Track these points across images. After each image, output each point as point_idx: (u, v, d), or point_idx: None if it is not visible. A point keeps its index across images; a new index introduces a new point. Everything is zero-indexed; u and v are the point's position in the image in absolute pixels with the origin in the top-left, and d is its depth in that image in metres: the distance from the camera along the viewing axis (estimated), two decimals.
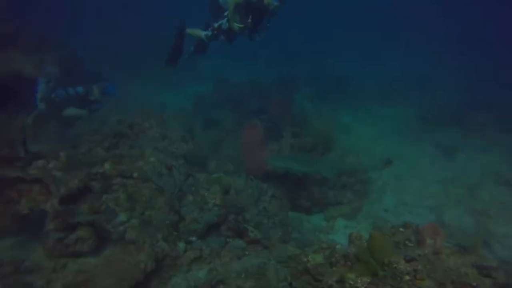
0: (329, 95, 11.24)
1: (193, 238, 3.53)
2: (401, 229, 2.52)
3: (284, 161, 4.23)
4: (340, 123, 9.12)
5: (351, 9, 31.46)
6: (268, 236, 3.71)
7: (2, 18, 6.41)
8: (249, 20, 5.16)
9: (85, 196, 3.31)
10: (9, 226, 3.15)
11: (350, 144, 7.56)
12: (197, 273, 3.22)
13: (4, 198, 2.95)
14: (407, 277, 1.87)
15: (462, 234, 4.57)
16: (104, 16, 19.10)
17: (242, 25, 5.24)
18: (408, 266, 1.92)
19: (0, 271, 2.66)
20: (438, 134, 8.28)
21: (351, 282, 1.91)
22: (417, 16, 25.33)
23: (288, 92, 10.58)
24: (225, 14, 5.50)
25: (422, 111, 9.87)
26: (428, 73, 13.15)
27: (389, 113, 10.40)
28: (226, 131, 6.93)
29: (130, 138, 4.65)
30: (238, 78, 12.05)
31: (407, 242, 2.32)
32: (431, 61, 15.51)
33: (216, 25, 5.57)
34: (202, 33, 5.66)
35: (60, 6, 19.78)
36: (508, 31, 17.70)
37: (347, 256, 2.12)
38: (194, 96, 10.19)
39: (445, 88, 12.02)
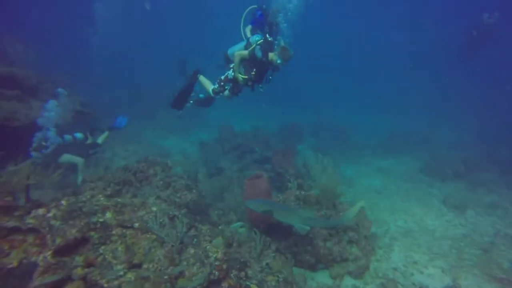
0: (331, 146, 11.41)
1: None
2: None
3: (263, 206, 4.08)
4: (343, 175, 9.10)
5: (354, 56, 32.94)
6: None
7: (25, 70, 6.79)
8: (253, 73, 5.42)
9: (82, 247, 3.15)
10: None
11: (354, 197, 7.45)
12: None
13: None
14: None
15: None
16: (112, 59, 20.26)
17: (246, 77, 5.50)
18: None
19: None
20: (443, 188, 8.18)
21: None
22: (419, 68, 26.48)
23: (292, 142, 10.79)
24: (231, 66, 5.81)
25: (424, 165, 9.91)
26: (427, 127, 13.44)
27: (390, 165, 10.43)
28: (229, 180, 6.87)
29: (133, 185, 4.59)
30: (242, 126, 12.32)
31: None
32: (431, 116, 15.94)
33: (222, 77, 5.85)
34: (210, 87, 5.89)
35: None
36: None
37: None
38: (198, 143, 10.33)
39: (445, 143, 12.21)
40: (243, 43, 5.74)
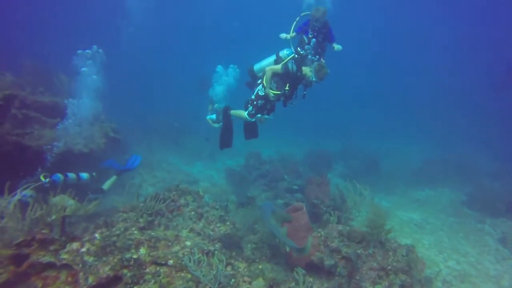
0: (361, 175, 10.84)
1: None
2: None
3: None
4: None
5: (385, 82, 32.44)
6: None
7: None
8: (287, 88, 5.13)
9: (114, 286, 2.88)
10: None
11: (393, 233, 6.83)
12: None
13: (28, 287, 2.59)
14: None
15: None
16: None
17: (278, 92, 5.21)
18: None
19: None
20: (496, 225, 7.40)
21: None
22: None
23: (320, 170, 10.35)
24: (258, 82, 5.57)
25: (467, 197, 9.13)
26: (463, 155, 12.60)
27: (428, 197, 9.71)
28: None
29: (165, 216, 4.36)
30: (268, 152, 12.08)
31: None
32: (467, 142, 15.03)
33: (253, 96, 5.57)
34: (244, 113, 5.68)
35: None
36: None
37: None
38: (225, 170, 10.12)
39: (486, 173, 11.32)
40: (272, 58, 5.53)
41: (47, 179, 5.23)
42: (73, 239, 2.96)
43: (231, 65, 7.19)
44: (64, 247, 2.84)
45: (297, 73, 5.04)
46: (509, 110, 20.54)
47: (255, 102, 5.53)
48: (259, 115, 5.59)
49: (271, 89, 5.27)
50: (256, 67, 5.72)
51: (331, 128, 18.68)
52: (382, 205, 8.76)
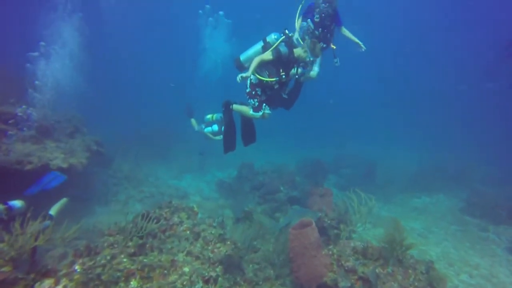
0: (357, 183, 10.56)
1: None
2: None
3: None
4: (379, 216, 8.19)
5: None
6: None
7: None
8: (283, 73, 4.65)
9: None
10: None
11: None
12: None
13: None
14: None
15: None
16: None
17: (273, 79, 4.69)
18: None
19: None
20: (500, 232, 7.19)
21: None
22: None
23: (317, 179, 9.98)
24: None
25: (465, 204, 8.96)
26: (459, 162, 12.58)
27: (426, 205, 9.49)
28: (259, 225, 6.04)
29: (157, 237, 3.82)
30: (260, 162, 11.63)
31: None
32: (462, 149, 15.10)
33: (248, 89, 4.95)
34: (248, 108, 4.99)
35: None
36: None
37: None
38: (216, 183, 9.61)
39: (481, 179, 11.28)
40: (259, 45, 4.93)
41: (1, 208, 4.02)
42: (45, 274, 2.40)
43: None
44: (32, 286, 2.28)
45: (290, 56, 4.61)
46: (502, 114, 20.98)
47: (253, 93, 4.90)
48: (266, 110, 4.88)
49: (263, 77, 4.71)
50: (243, 57, 5.04)
51: (322, 135, 18.47)
52: (381, 214, 8.47)
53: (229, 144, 5.34)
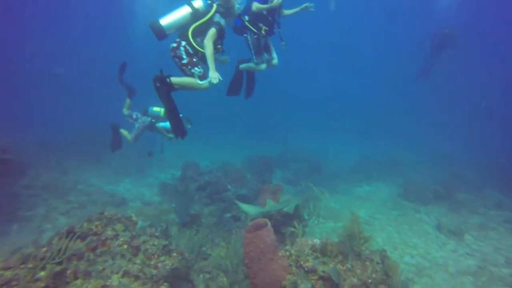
0: (305, 177, 10.74)
1: None
2: None
3: None
4: (328, 207, 8.35)
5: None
6: None
7: None
8: (219, 46, 4.44)
9: None
10: None
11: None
12: None
13: None
14: None
15: None
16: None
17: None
18: None
19: None
20: (429, 212, 7.86)
21: None
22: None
23: (264, 176, 9.81)
24: (179, 41, 4.37)
25: (401, 189, 9.66)
26: (394, 150, 13.63)
27: (368, 193, 10.01)
28: (208, 229, 5.57)
29: (84, 259, 3.11)
30: (204, 162, 11.07)
31: None
32: (394, 137, 16.44)
33: (184, 61, 4.24)
34: (196, 80, 4.24)
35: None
36: None
37: None
38: (158, 186, 8.81)
39: (413, 164, 12.38)
40: (187, 11, 4.24)
41: None
42: None
43: None
44: None
45: (224, 26, 4.36)
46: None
47: (194, 59, 4.27)
48: (214, 78, 4.05)
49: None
50: (167, 24, 4.22)
51: (264, 132, 18.58)
52: (330, 205, 8.63)
53: (179, 127, 4.41)
